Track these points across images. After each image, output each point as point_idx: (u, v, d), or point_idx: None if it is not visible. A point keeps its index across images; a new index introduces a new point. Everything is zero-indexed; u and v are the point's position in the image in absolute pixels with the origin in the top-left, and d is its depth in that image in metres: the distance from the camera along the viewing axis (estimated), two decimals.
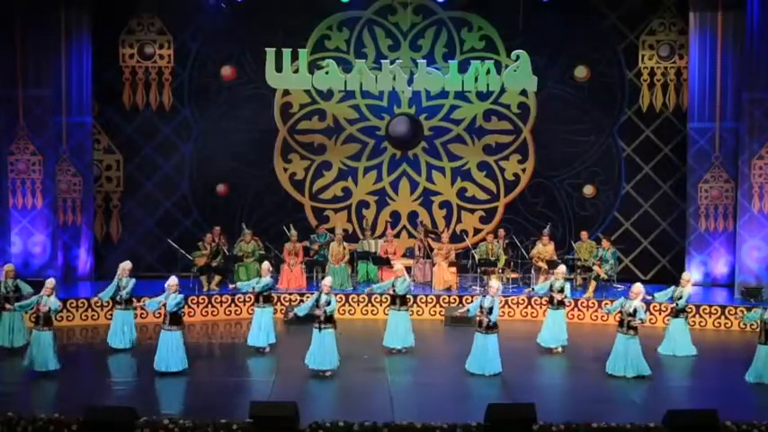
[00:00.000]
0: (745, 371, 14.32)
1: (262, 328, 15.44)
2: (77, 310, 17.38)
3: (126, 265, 15.77)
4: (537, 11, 19.36)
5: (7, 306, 15.14)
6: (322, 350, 13.94)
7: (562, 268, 16.06)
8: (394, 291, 15.48)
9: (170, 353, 13.91)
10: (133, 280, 15.59)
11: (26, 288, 15.25)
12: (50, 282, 14.20)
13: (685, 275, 16.05)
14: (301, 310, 14.58)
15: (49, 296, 13.95)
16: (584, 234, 19.47)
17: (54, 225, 18.78)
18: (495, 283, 14.59)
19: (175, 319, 14.04)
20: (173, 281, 14.15)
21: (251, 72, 20.32)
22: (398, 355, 15.30)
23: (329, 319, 14.05)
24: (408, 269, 19.31)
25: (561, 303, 15.77)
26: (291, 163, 20.86)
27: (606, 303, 16.26)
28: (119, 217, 20.48)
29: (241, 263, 18.74)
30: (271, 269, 15.82)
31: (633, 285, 14.54)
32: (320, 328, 13.98)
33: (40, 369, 13.77)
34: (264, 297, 15.61)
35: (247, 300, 17.55)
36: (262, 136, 20.67)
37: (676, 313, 15.61)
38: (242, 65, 20.40)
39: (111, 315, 16.19)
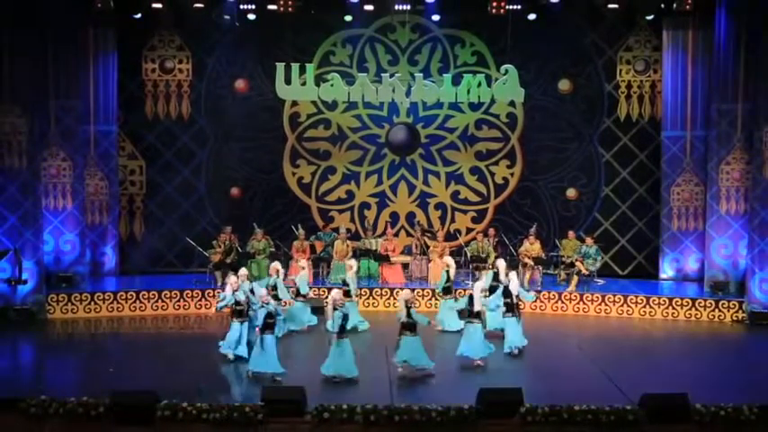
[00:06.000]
0: (714, 358, 14.37)
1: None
2: (104, 303, 17.47)
3: (336, 295, 13.84)
4: (524, 29, 19.37)
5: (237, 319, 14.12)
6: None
7: (501, 262, 16.27)
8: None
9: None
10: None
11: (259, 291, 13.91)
12: (232, 278, 13.93)
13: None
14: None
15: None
16: (571, 233, 19.49)
17: (83, 225, 18.76)
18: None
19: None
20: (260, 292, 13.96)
21: (262, 85, 20.33)
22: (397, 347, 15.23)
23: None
24: (406, 265, 19.54)
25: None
26: (299, 168, 20.87)
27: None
28: (141, 217, 20.50)
29: (253, 259, 18.76)
30: (279, 269, 15.66)
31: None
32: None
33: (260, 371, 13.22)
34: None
35: None
36: (272, 143, 20.67)
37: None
38: (254, 78, 20.40)
39: (136, 307, 16.16)
